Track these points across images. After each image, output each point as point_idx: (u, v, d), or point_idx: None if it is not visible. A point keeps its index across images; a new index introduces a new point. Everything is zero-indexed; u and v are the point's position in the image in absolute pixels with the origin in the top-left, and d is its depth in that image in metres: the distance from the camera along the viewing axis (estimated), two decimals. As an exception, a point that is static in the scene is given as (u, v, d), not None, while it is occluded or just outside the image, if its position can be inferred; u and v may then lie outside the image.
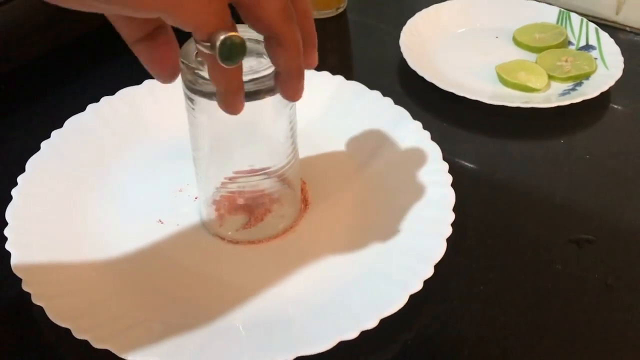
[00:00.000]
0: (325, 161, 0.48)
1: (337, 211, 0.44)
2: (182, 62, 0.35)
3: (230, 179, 0.41)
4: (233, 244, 0.42)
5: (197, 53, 0.34)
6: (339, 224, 0.43)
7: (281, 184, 0.42)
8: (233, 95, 0.32)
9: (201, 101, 0.36)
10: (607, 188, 0.48)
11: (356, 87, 0.52)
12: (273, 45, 0.30)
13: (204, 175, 0.42)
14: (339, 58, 0.66)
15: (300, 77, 0.33)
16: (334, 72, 0.53)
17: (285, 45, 0.30)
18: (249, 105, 0.33)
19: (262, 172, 0.40)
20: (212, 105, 0.33)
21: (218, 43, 0.28)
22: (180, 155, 0.48)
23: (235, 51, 0.28)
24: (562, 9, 0.64)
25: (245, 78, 0.33)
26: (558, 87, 0.56)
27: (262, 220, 0.43)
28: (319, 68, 0.53)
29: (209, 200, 0.42)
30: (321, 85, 0.52)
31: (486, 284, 0.40)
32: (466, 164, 0.50)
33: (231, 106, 0.32)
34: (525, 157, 0.51)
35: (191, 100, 0.37)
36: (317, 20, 0.68)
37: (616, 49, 0.59)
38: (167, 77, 0.33)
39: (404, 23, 0.62)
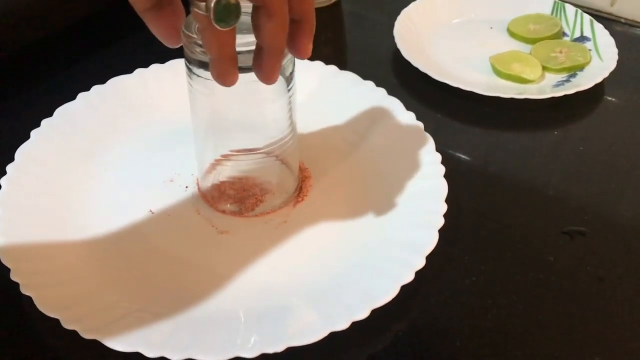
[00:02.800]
0: (317, 152, 0.48)
1: (329, 202, 0.44)
2: (184, 32, 0.35)
3: (226, 156, 0.41)
4: (224, 234, 0.42)
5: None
6: (331, 214, 0.43)
7: (279, 165, 0.42)
8: (225, 62, 0.32)
9: (199, 73, 0.36)
10: (600, 180, 0.48)
11: (350, 77, 0.52)
12: (261, 16, 0.30)
13: (202, 151, 0.42)
14: (333, 48, 0.66)
15: (279, 57, 0.33)
16: (327, 62, 0.53)
17: (273, 18, 0.30)
18: (247, 83, 0.33)
19: (260, 151, 0.40)
20: (210, 78, 0.33)
21: (213, 3, 0.28)
22: (171, 144, 0.48)
23: (229, 12, 0.29)
24: (557, 0, 0.64)
25: (248, 48, 0.33)
26: (552, 78, 0.56)
27: (252, 210, 0.42)
28: (312, 57, 0.53)
29: (204, 173, 0.42)
30: (314, 75, 0.52)
31: (478, 275, 0.40)
32: (459, 155, 0.49)
33: (223, 75, 0.32)
34: (518, 149, 0.50)
35: (190, 70, 0.37)
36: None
37: (611, 41, 0.58)
38: (172, 42, 0.35)
39: (398, 13, 0.62)
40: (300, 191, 0.45)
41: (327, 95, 0.51)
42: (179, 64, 0.51)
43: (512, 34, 0.62)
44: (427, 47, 0.60)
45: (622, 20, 0.66)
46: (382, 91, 0.50)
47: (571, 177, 0.48)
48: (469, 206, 0.45)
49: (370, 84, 0.51)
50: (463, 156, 0.49)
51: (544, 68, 0.57)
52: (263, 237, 0.41)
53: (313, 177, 0.46)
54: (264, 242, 0.41)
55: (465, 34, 0.62)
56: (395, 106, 0.49)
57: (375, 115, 0.49)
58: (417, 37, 0.60)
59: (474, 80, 0.56)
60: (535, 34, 0.61)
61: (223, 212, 0.43)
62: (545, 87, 0.55)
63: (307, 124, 0.49)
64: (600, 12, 0.67)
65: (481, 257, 0.41)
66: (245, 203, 0.42)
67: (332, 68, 0.53)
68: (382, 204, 0.43)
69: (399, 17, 0.61)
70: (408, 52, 0.57)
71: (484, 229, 0.43)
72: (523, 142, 0.51)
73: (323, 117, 0.50)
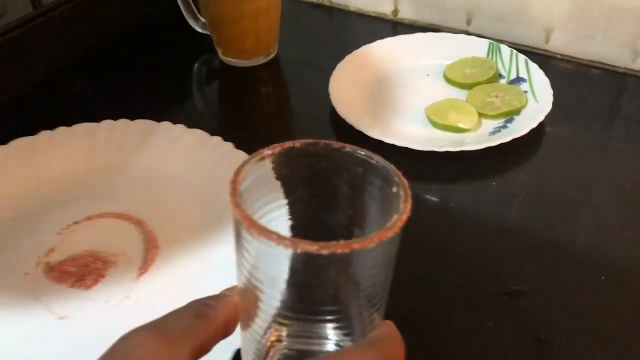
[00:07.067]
0: (166, 216, 0.47)
1: (177, 271, 0.43)
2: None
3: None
4: (64, 320, 0.40)
5: None
6: (178, 284, 0.42)
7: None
8: None
9: None
10: (540, 232, 0.47)
11: (198, 136, 0.52)
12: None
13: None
14: (274, 105, 0.65)
15: None
16: (267, 121, 0.52)
17: None
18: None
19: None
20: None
21: None
22: (15, 229, 0.46)
23: None
24: (492, 42, 0.64)
25: None
26: (489, 125, 0.56)
27: (92, 288, 0.41)
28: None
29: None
30: (160, 139, 0.53)
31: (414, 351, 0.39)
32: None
33: None
34: (456, 204, 0.50)
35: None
36: (247, 69, 0.67)
37: (546, 81, 0.58)
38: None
39: (335, 65, 0.61)
40: (145, 261, 0.43)
41: (178, 158, 0.51)
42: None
43: (448, 80, 0.61)
44: (364, 101, 0.59)
45: (559, 57, 0.66)
46: (229, 146, 0.50)
47: (510, 231, 0.47)
48: (401, 269, 0.44)
49: (218, 139, 0.51)
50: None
51: (481, 115, 0.56)
52: (103, 318, 0.40)
53: (161, 244, 0.44)
54: (104, 323, 0.39)
55: (403, 83, 0.62)
56: (244, 159, 0.48)
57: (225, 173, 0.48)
58: (353, 91, 0.60)
59: (410, 133, 0.55)
60: (471, 79, 0.60)
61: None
62: (482, 135, 0.55)
63: (158, 186, 0.49)
64: (537, 49, 0.67)
65: (417, 328, 0.40)
66: (86, 280, 0.41)
67: (180, 127, 0.53)
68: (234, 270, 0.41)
69: (334, 72, 0.60)
70: (344, 108, 0.56)
71: (417, 295, 0.42)
72: (461, 197, 0.50)
73: (173, 179, 0.50)
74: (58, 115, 0.57)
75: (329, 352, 0.26)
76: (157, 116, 0.55)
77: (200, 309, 0.26)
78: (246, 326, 0.27)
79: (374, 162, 0.26)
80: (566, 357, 0.38)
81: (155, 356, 0.23)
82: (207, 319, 0.25)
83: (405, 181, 0.25)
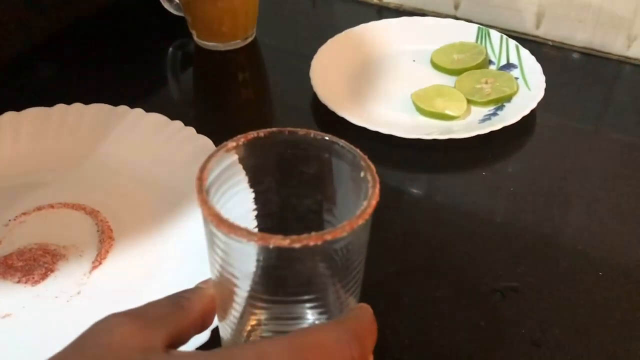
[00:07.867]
0: (122, 206, 0.44)
1: (131, 265, 0.40)
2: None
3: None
4: (7, 318, 0.37)
5: None
6: (132, 279, 0.39)
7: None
8: None
9: None
10: (532, 226, 0.44)
11: (156, 119, 0.49)
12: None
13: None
14: (252, 91, 0.62)
15: None
16: (244, 108, 0.49)
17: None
18: None
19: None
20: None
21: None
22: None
23: None
24: (481, 26, 0.61)
25: None
26: (478, 112, 0.53)
27: (43, 281, 0.38)
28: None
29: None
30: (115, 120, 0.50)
31: (401, 352, 0.36)
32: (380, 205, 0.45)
33: None
34: (444, 195, 0.47)
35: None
36: (223, 53, 0.64)
37: (537, 68, 0.55)
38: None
39: (317, 50, 0.58)
40: (99, 253, 0.40)
41: (135, 143, 0.48)
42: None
43: (435, 66, 0.58)
44: (347, 86, 0.56)
45: (550, 43, 0.63)
46: (190, 130, 0.47)
47: (501, 223, 0.44)
48: (390, 265, 0.41)
49: (178, 124, 0.48)
50: (382, 206, 0.45)
51: (469, 101, 0.53)
52: (52, 316, 0.37)
53: (116, 235, 0.41)
54: (52, 321, 0.36)
55: (387, 68, 0.59)
56: (205, 146, 0.46)
57: (185, 158, 0.45)
58: (336, 76, 0.57)
59: (396, 120, 0.52)
60: (459, 65, 0.57)
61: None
62: (471, 122, 0.52)
63: (114, 173, 0.46)
64: (527, 35, 0.64)
65: (406, 327, 0.37)
66: (33, 275, 0.38)
67: (138, 111, 0.50)
68: (195, 262, 0.38)
69: (315, 56, 0.57)
70: (326, 94, 0.53)
71: (406, 292, 0.39)
72: (449, 187, 0.48)
73: (130, 166, 0.47)
74: (22, 99, 0.53)
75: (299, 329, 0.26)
76: (128, 101, 0.52)
77: (176, 300, 0.26)
78: (223, 316, 0.26)
79: (339, 147, 0.26)
80: (562, 357, 0.35)
81: (129, 337, 0.23)
82: (183, 309, 0.25)
83: (372, 165, 0.24)
